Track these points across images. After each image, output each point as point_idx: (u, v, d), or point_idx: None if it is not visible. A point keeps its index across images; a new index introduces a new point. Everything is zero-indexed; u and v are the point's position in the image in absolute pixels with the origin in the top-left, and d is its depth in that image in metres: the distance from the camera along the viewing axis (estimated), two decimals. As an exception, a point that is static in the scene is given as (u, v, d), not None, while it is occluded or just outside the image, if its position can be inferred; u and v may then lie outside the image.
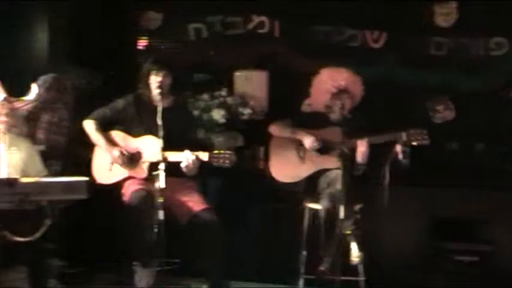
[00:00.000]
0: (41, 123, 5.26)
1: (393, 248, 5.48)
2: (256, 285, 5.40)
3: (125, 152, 4.79)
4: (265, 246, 5.61)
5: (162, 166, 4.29)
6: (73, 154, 5.28)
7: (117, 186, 4.82)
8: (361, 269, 4.84)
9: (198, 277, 5.00)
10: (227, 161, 4.51)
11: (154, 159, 4.50)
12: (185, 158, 4.55)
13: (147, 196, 4.49)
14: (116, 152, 4.79)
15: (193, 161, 4.54)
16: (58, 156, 5.21)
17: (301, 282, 5.08)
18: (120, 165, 4.80)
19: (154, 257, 4.42)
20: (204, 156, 4.56)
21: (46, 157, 4.88)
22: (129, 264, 4.95)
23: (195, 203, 4.72)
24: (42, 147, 5.06)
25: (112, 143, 4.87)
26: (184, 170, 4.59)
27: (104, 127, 4.93)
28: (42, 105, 5.30)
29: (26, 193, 4.00)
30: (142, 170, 4.73)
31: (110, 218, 5.33)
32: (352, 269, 4.78)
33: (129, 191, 4.68)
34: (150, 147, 4.65)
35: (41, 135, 5.24)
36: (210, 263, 4.69)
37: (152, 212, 4.32)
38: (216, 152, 4.58)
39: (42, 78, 5.47)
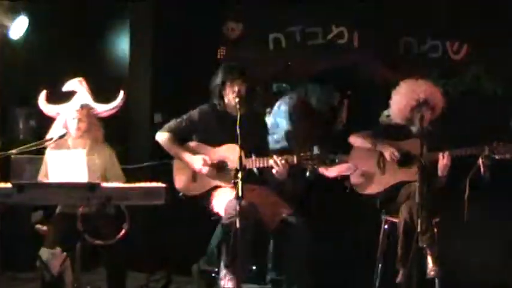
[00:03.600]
0: None
1: (471, 263, 5.33)
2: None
3: (208, 161, 4.80)
4: (340, 257, 5.55)
5: (239, 175, 4.19)
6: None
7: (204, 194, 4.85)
8: (437, 283, 4.73)
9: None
10: (315, 163, 4.51)
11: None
12: (274, 162, 4.57)
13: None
14: (199, 160, 4.80)
15: (283, 164, 4.55)
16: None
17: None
18: (205, 174, 4.81)
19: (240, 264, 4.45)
20: (293, 159, 4.57)
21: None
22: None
23: (283, 207, 4.72)
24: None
25: (193, 153, 4.86)
26: (276, 175, 4.61)
27: (179, 139, 4.93)
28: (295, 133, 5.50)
29: (107, 197, 4.06)
30: (230, 178, 4.66)
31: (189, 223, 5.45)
32: (428, 283, 4.68)
33: (221, 201, 4.67)
34: (234, 155, 4.60)
35: None
36: (297, 267, 4.68)
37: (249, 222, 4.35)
38: (303, 154, 4.56)
39: (288, 102, 5.69)
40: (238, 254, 4.34)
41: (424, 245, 4.64)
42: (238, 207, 4.20)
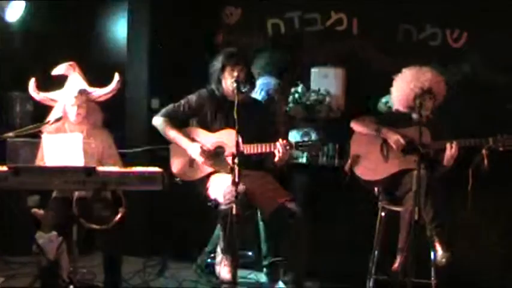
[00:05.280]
0: None
1: (472, 253, 5.30)
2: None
3: (205, 148, 4.78)
4: (337, 244, 5.53)
5: (236, 160, 4.15)
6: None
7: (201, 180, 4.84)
8: (433, 271, 4.71)
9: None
10: (313, 150, 4.50)
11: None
12: (278, 146, 4.53)
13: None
14: (197, 149, 4.78)
15: (287, 149, 4.52)
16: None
17: (371, 282, 5.01)
18: (203, 161, 4.79)
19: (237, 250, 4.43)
20: (292, 145, 4.55)
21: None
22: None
23: (280, 194, 4.70)
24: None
25: (190, 139, 4.86)
26: (277, 160, 4.57)
27: (176, 124, 4.93)
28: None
29: (103, 182, 4.06)
30: (227, 164, 4.67)
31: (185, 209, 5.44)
32: (423, 272, 4.66)
33: (218, 187, 4.64)
34: (231, 140, 4.60)
35: None
36: (294, 255, 4.67)
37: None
38: (301, 141, 4.53)
39: (270, 89, 5.73)
40: (235, 240, 4.31)
41: (432, 234, 4.60)
42: (235, 193, 4.16)
